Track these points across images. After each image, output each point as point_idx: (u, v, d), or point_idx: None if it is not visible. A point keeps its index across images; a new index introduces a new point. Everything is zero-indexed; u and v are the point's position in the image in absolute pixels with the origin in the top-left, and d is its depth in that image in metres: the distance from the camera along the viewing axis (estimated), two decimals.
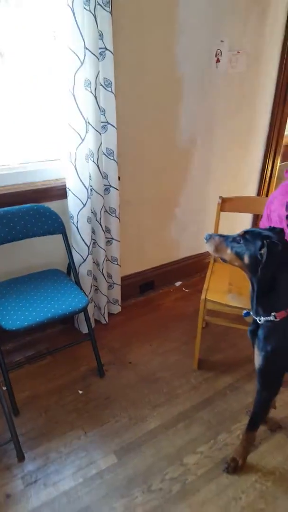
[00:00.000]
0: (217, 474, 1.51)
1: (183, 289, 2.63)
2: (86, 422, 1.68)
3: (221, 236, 1.36)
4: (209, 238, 1.38)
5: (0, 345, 1.63)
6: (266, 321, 1.30)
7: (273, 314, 1.28)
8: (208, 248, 1.39)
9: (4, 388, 1.62)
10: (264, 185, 2.77)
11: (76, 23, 1.53)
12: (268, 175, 2.74)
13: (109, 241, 2.06)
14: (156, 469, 1.52)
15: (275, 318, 1.28)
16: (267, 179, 2.76)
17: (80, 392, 1.82)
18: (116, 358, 2.02)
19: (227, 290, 1.84)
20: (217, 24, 2.07)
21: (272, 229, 1.31)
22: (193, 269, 2.67)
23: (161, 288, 2.60)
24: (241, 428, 1.67)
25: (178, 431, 1.66)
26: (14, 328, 1.51)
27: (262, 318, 1.30)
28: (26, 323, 1.53)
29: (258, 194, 2.80)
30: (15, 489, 1.44)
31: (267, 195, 2.77)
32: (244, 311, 1.48)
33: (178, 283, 2.65)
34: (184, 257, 2.65)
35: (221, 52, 2.14)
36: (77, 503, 1.40)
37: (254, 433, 1.53)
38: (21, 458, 1.53)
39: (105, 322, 2.23)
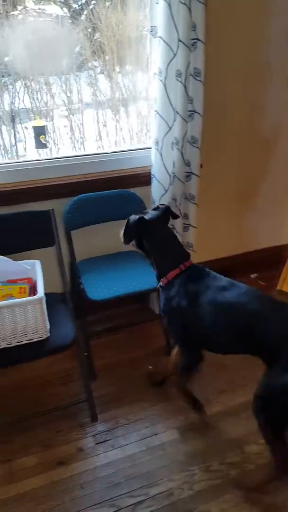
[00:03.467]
0: None
1: (259, 281, 2.57)
2: (153, 396, 1.79)
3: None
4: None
5: (86, 315, 1.81)
6: (159, 286, 1.51)
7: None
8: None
9: (86, 353, 1.79)
10: None
11: (172, 16, 1.60)
12: None
13: (186, 227, 2.11)
14: (216, 451, 1.57)
15: (161, 284, 1.48)
16: None
17: (150, 367, 1.93)
18: None
19: None
20: None
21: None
22: (271, 261, 2.58)
23: (236, 278, 2.57)
24: None
25: (240, 420, 1.67)
26: (98, 299, 1.68)
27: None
28: (107, 296, 1.70)
29: None
30: (87, 445, 1.60)
31: None
32: None
33: (254, 275, 2.60)
34: (262, 248, 2.59)
35: None
36: (139, 468, 1.51)
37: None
38: (94, 418, 1.69)
39: None
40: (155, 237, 1.49)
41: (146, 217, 1.48)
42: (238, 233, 2.47)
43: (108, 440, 1.62)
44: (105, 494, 1.43)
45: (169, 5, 1.59)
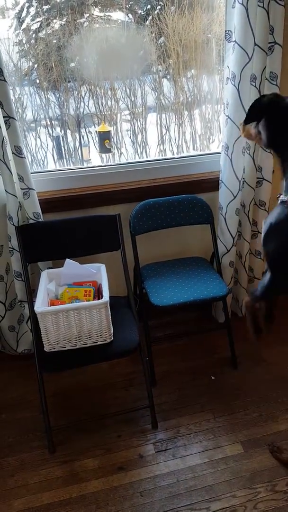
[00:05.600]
0: None
1: None
2: (216, 407, 1.74)
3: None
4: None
5: (148, 320, 1.80)
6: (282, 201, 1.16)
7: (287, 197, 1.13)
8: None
9: (147, 358, 1.78)
10: None
11: (249, 20, 1.57)
12: None
13: (254, 234, 2.05)
14: (283, 470, 1.49)
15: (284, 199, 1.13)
16: None
17: (213, 377, 1.89)
18: (250, 353, 2.01)
19: None
20: None
21: None
22: None
23: None
24: None
25: None
26: (161, 305, 1.67)
27: None
28: (171, 302, 1.68)
29: None
30: (147, 452, 1.58)
31: None
32: None
33: None
34: None
35: None
36: (201, 480, 1.47)
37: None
38: (155, 425, 1.67)
39: (241, 315, 2.24)
40: None
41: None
42: None
43: (169, 449, 1.59)
44: (165, 504, 1.40)
45: (246, 9, 1.56)
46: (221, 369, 1.93)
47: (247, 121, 1.19)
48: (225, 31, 1.69)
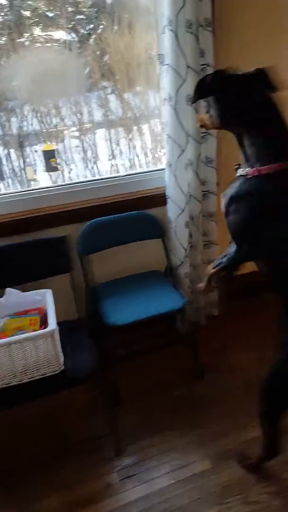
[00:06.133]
0: None
1: None
2: (183, 423, 1.70)
3: None
4: None
5: (106, 340, 1.74)
6: (240, 175, 1.15)
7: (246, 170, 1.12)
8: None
9: (108, 381, 1.72)
10: None
11: (179, 45, 1.63)
12: None
13: (206, 244, 2.09)
14: (254, 480, 1.47)
15: (247, 174, 1.12)
16: None
17: (178, 393, 1.85)
18: (215, 361, 2.01)
19: None
20: None
21: None
22: None
23: (261, 294, 2.50)
24: None
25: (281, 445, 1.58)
26: (118, 324, 1.63)
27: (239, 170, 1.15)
28: (127, 321, 1.65)
29: None
30: (113, 481, 1.50)
31: None
32: None
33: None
34: None
35: None
36: (170, 503, 1.42)
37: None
38: (120, 451, 1.60)
39: (204, 324, 2.25)
40: (253, 104, 1.09)
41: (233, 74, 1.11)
42: None
43: (135, 474, 1.53)
44: None
45: (176, 35, 1.63)
46: (187, 382, 1.90)
47: (194, 100, 1.20)
48: (158, 54, 1.74)
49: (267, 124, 1.09)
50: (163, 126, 1.84)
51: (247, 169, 1.13)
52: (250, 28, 1.88)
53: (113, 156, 2.20)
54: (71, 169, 2.16)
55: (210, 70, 1.72)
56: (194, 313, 2.23)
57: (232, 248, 1.25)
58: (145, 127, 2.21)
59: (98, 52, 2.04)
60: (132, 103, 2.18)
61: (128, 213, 1.90)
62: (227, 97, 1.12)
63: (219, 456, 1.56)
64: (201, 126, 1.26)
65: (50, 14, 1.99)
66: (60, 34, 2.02)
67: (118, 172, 2.17)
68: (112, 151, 2.19)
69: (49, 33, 2.01)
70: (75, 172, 2.15)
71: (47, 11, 1.97)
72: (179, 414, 1.75)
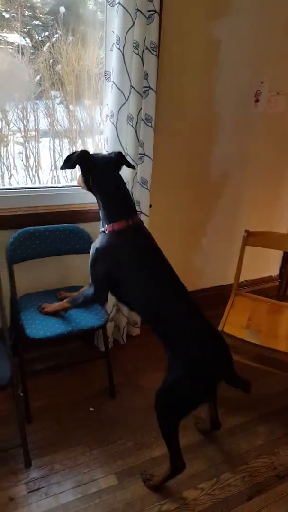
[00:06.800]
0: None
1: None
2: (93, 439, 1.73)
3: None
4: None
5: (23, 353, 1.74)
6: (101, 232, 1.51)
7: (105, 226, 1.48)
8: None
9: (22, 394, 1.70)
10: None
11: (125, 64, 1.66)
12: None
13: None
14: (154, 497, 1.53)
15: (105, 230, 1.48)
16: None
17: (92, 409, 1.88)
18: (128, 381, 2.06)
19: (246, 325, 1.84)
20: (258, 65, 2.15)
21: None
22: (215, 301, 2.62)
23: None
24: (247, 470, 1.64)
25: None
26: (36, 337, 1.62)
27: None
28: (48, 334, 1.64)
29: None
30: (18, 494, 1.50)
31: None
32: None
33: None
34: (206, 288, 2.66)
35: (261, 92, 2.20)
36: None
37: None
38: (28, 464, 1.59)
39: (123, 343, 2.29)
40: (104, 178, 1.48)
41: (93, 154, 1.50)
42: (185, 272, 2.50)
43: (42, 487, 1.53)
44: None
45: (123, 54, 1.66)
46: (100, 400, 1.93)
47: (62, 168, 1.50)
48: (105, 70, 1.77)
49: (112, 193, 1.48)
50: (105, 142, 1.86)
51: (106, 225, 1.47)
52: (191, 56, 1.97)
53: (55, 167, 2.20)
54: (11, 175, 2.13)
55: (151, 94, 1.78)
56: (115, 332, 2.26)
57: (90, 291, 1.57)
58: (89, 141, 2.24)
59: (50, 61, 2.05)
60: (78, 115, 2.20)
61: (60, 225, 1.88)
62: (86, 171, 1.49)
63: (124, 473, 1.61)
64: (79, 185, 1.59)
65: (6, 15, 1.96)
66: (14, 37, 2.00)
67: (59, 183, 2.18)
68: (55, 161, 2.19)
69: (3, 34, 1.98)
70: (16, 179, 2.13)
71: (3, 11, 1.95)
72: (89, 431, 1.77)
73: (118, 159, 1.52)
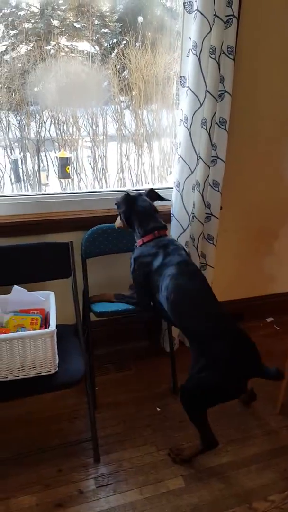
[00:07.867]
0: None
1: (275, 326, 2.55)
2: (159, 440, 1.74)
3: None
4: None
5: (92, 349, 1.78)
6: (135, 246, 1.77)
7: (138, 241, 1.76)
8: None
9: (95, 389, 1.75)
10: None
11: (201, 69, 1.68)
12: None
13: (203, 266, 2.13)
14: (222, 505, 1.49)
15: (137, 244, 1.75)
16: None
17: (158, 409, 1.89)
18: None
19: None
20: None
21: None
22: (287, 307, 2.58)
23: (251, 320, 2.56)
24: None
25: (250, 473, 1.61)
26: (103, 311, 1.79)
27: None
28: (111, 309, 1.79)
29: None
30: (88, 488, 1.54)
31: None
32: None
33: (269, 319, 2.58)
34: (279, 293, 2.58)
35: None
36: None
37: None
38: (97, 459, 1.63)
39: (188, 345, 2.26)
40: (138, 208, 1.74)
41: (131, 194, 1.78)
42: (255, 276, 2.48)
43: (110, 483, 1.56)
44: None
45: (199, 59, 1.67)
46: (167, 400, 1.93)
47: (119, 207, 1.78)
48: (180, 76, 1.79)
49: (145, 217, 1.74)
50: (176, 146, 1.88)
51: (138, 240, 1.74)
52: (268, 58, 1.94)
53: (122, 170, 2.26)
54: (80, 179, 2.22)
55: (227, 97, 1.78)
56: (181, 333, 2.22)
57: (134, 295, 1.80)
58: (155, 145, 2.27)
59: (118, 67, 2.11)
60: (145, 120, 2.24)
61: None
62: (129, 209, 1.76)
63: (192, 476, 1.59)
64: (118, 227, 1.85)
65: (77, 25, 2.05)
66: (84, 46, 2.09)
67: (125, 186, 2.23)
68: (122, 165, 2.25)
69: (74, 43, 2.08)
70: (84, 182, 2.21)
71: (74, 22, 2.04)
72: (156, 431, 1.78)
73: (151, 196, 1.80)
